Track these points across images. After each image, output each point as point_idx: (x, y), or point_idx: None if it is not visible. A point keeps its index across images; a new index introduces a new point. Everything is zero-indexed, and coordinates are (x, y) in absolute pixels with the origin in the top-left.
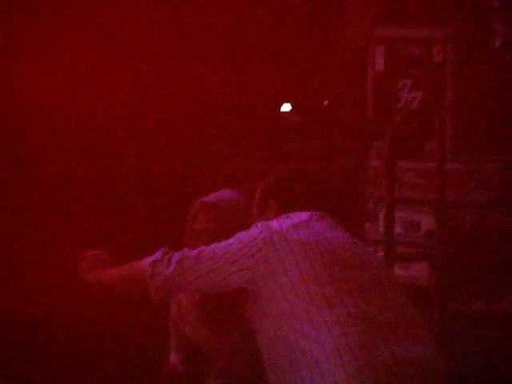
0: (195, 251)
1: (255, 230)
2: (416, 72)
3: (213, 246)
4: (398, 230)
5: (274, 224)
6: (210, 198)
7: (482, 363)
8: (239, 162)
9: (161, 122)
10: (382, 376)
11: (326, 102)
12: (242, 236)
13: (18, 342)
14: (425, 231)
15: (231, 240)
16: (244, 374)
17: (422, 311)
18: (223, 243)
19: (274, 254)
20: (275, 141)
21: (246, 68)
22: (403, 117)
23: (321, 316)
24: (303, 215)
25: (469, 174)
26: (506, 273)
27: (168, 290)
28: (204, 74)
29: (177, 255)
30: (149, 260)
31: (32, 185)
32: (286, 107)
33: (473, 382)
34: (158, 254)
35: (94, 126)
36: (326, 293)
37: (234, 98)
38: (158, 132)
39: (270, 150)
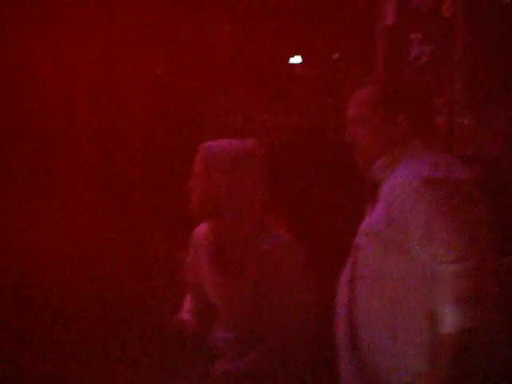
0: None
1: None
2: (426, 26)
3: None
4: None
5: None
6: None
7: None
8: (246, 115)
9: (165, 75)
10: None
11: (335, 55)
12: None
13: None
14: None
15: None
16: (251, 325)
17: None
18: None
19: None
20: (284, 93)
21: (255, 20)
22: (413, 71)
23: None
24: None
25: (479, 128)
26: None
27: None
28: (211, 26)
29: None
30: None
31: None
32: (296, 59)
33: None
34: None
35: (96, 80)
36: None
37: (242, 50)
38: (163, 85)
39: (277, 102)
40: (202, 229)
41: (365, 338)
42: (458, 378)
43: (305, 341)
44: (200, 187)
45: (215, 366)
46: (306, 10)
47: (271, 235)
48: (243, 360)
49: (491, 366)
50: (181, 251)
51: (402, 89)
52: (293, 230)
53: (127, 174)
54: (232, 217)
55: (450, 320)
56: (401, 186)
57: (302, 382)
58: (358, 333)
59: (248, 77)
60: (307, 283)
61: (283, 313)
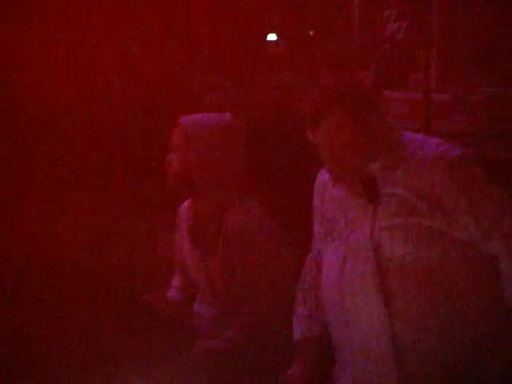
0: None
1: None
2: (401, 2)
3: None
4: None
5: None
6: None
7: None
8: (223, 93)
9: (144, 54)
10: None
11: (311, 32)
12: None
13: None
14: None
15: None
16: (227, 301)
17: None
18: None
19: None
20: (261, 71)
21: None
22: (388, 47)
23: None
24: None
25: (454, 104)
26: None
27: None
28: (189, 4)
29: None
30: None
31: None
32: (272, 37)
33: None
34: None
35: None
36: None
37: (219, 29)
38: (142, 63)
39: (255, 80)
40: (185, 205)
41: (411, 329)
42: None
43: (281, 314)
44: (177, 161)
45: (196, 344)
46: None
47: (243, 209)
48: (221, 337)
49: None
50: (161, 230)
51: (359, 85)
52: (268, 204)
53: (107, 153)
54: (207, 191)
55: None
56: (425, 176)
57: (282, 357)
58: (402, 325)
59: (225, 53)
60: (280, 257)
61: (255, 287)
